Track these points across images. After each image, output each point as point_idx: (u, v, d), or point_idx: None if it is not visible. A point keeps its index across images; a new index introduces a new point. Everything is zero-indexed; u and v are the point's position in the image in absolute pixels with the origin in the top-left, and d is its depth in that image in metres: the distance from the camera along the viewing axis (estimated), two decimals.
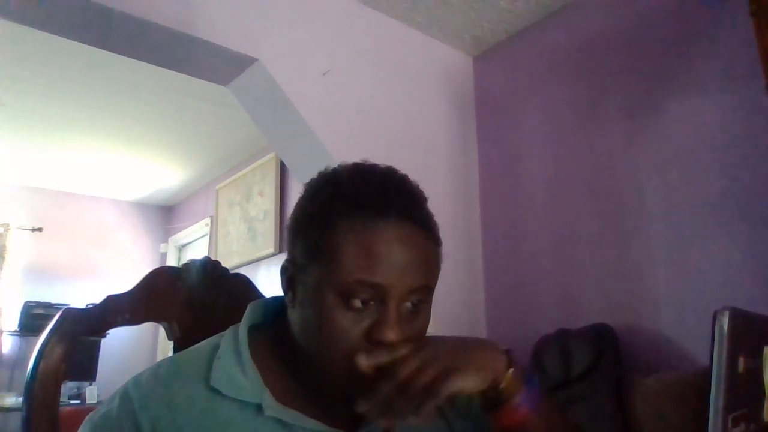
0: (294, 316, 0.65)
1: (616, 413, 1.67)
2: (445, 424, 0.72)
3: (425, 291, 0.63)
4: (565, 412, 0.72)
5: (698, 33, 1.87)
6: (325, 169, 0.68)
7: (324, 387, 0.63)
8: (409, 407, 0.55)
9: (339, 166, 0.68)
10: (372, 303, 0.60)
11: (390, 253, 0.60)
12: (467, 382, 0.58)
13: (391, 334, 0.59)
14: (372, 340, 0.59)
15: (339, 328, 0.60)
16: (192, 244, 5.02)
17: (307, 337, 0.63)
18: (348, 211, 0.61)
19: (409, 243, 0.61)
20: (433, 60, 2.57)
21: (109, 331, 0.86)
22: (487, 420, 0.74)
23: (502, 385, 0.60)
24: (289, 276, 0.66)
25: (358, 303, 0.60)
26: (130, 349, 4.47)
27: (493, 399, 0.61)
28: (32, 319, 4.04)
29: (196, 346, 0.69)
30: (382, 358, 0.58)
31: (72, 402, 3.96)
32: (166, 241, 5.22)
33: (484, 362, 0.61)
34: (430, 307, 0.66)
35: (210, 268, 0.96)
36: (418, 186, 0.68)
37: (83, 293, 4.18)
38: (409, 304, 0.62)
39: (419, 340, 0.62)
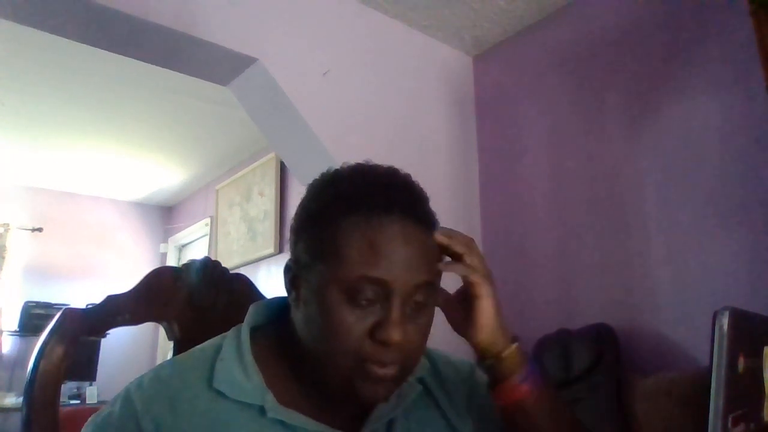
0: (298, 315, 0.65)
1: (616, 413, 1.67)
2: (445, 422, 0.72)
3: (429, 288, 0.63)
4: (568, 405, 0.73)
5: (698, 33, 1.87)
6: (327, 170, 0.69)
7: (328, 385, 0.63)
8: None
9: (340, 167, 0.69)
10: (376, 301, 0.60)
11: (393, 250, 0.60)
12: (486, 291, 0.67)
13: (395, 334, 0.59)
14: (376, 339, 0.59)
15: (343, 325, 0.60)
16: (192, 245, 5.02)
17: (311, 335, 0.63)
18: (351, 208, 0.61)
19: (412, 240, 0.61)
20: (433, 60, 2.57)
21: (109, 331, 0.86)
22: (486, 417, 0.74)
23: (505, 353, 0.67)
24: (292, 275, 0.66)
25: (362, 300, 0.60)
26: (130, 349, 4.47)
27: (496, 371, 0.68)
28: (32, 319, 4.04)
29: (198, 347, 0.69)
30: None
31: (72, 402, 3.97)
32: (166, 241, 5.21)
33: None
34: (434, 306, 0.66)
35: (210, 268, 0.95)
36: (420, 186, 0.68)
37: (83, 293, 4.18)
38: (413, 303, 0.62)
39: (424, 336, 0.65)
